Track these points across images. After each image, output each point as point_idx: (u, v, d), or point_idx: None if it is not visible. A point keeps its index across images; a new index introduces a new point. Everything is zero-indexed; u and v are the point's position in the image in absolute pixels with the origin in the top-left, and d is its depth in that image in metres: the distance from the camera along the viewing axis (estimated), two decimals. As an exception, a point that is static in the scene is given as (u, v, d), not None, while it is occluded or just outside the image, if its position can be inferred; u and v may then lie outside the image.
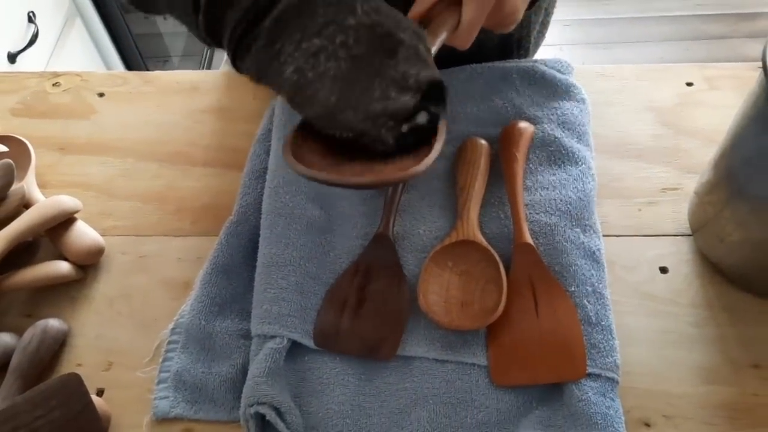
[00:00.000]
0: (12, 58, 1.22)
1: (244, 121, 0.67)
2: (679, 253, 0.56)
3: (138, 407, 0.50)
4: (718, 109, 0.65)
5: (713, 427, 0.47)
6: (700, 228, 0.55)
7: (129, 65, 1.68)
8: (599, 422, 0.44)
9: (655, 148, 0.63)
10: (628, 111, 0.66)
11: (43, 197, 0.60)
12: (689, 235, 0.57)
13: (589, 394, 0.45)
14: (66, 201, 0.58)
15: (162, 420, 0.49)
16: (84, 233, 0.57)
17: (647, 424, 0.48)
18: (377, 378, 0.50)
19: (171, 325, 0.53)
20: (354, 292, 0.53)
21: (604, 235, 0.55)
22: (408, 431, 0.47)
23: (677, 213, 0.58)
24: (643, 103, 0.66)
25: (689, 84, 0.68)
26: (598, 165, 0.60)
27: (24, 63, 1.25)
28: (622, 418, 0.45)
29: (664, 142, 0.63)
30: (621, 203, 0.59)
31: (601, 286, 0.51)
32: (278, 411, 0.46)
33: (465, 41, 0.47)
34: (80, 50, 1.50)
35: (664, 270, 0.55)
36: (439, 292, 0.52)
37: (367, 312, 0.52)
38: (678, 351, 0.51)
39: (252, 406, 0.45)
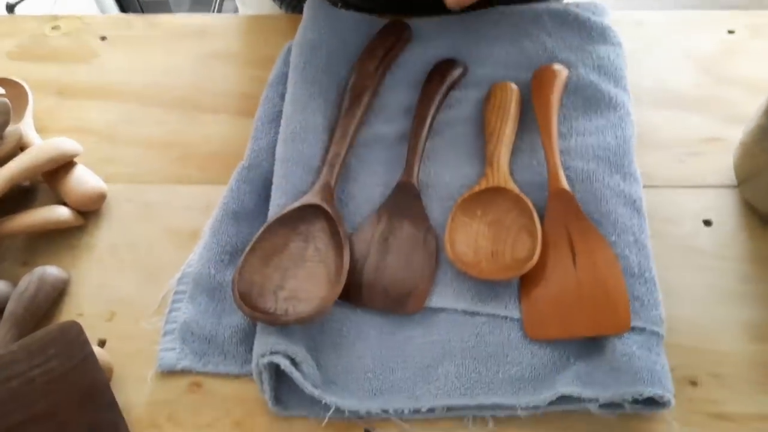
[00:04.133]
0: (11, 8, 1.17)
1: (254, 67, 0.63)
2: (723, 206, 0.52)
3: (142, 360, 0.46)
4: (761, 57, 0.61)
5: (764, 387, 0.44)
6: (748, 178, 0.51)
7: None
8: (645, 378, 0.40)
9: (696, 97, 0.59)
10: (665, 59, 0.62)
11: (41, 141, 0.56)
12: (734, 187, 0.53)
13: (634, 348, 0.42)
14: (65, 143, 0.54)
15: (168, 373, 0.45)
16: (85, 178, 0.54)
17: (694, 383, 0.44)
18: (400, 332, 0.46)
19: (178, 275, 0.49)
20: (376, 244, 0.49)
21: (643, 187, 0.51)
22: (434, 387, 0.43)
23: (721, 163, 0.54)
24: (681, 51, 0.62)
25: (731, 32, 0.63)
26: (634, 115, 0.56)
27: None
28: (670, 374, 0.42)
29: (705, 91, 0.59)
30: (660, 154, 0.55)
31: (643, 236, 0.47)
32: (293, 361, 0.42)
33: None
34: (80, 2, 1.45)
35: (708, 223, 0.51)
36: (467, 242, 0.48)
37: (390, 264, 0.48)
38: (725, 307, 0.47)
39: (265, 356, 0.41)
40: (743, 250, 0.50)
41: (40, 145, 0.53)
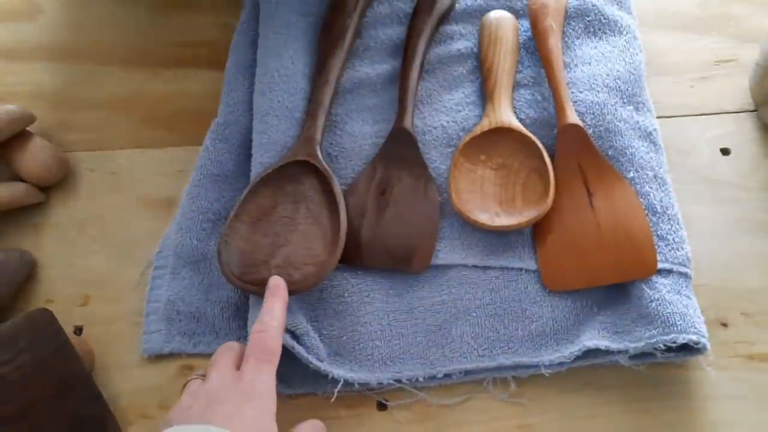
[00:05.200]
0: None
1: (220, 13, 0.57)
2: (741, 132, 0.49)
3: (125, 345, 0.42)
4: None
5: (799, 323, 0.41)
6: (767, 101, 0.48)
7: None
8: (678, 323, 0.37)
9: (703, 16, 0.54)
10: (667, -23, 0.57)
11: (-13, 110, 0.50)
12: (752, 111, 0.49)
13: (663, 292, 0.38)
14: (15, 110, 0.48)
15: (156, 357, 0.42)
16: (42, 149, 0.48)
17: (724, 324, 0.41)
18: (408, 293, 0.42)
19: (156, 249, 0.45)
20: (373, 198, 0.45)
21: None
22: (449, 350, 0.40)
23: (735, 87, 0.51)
24: (684, -33, 0.57)
25: (736, -57, 0.59)
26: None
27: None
28: (702, 317, 0.38)
29: (713, 10, 0.55)
30: (669, 80, 0.51)
31: (662, 170, 0.44)
32: (293, 334, 0.38)
33: None
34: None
35: (725, 151, 0.48)
36: (472, 190, 0.44)
37: (390, 219, 0.44)
38: (752, 240, 0.44)
39: (262, 332, 0.37)
40: (766, 177, 0.46)
41: (-14, 115, 0.47)
